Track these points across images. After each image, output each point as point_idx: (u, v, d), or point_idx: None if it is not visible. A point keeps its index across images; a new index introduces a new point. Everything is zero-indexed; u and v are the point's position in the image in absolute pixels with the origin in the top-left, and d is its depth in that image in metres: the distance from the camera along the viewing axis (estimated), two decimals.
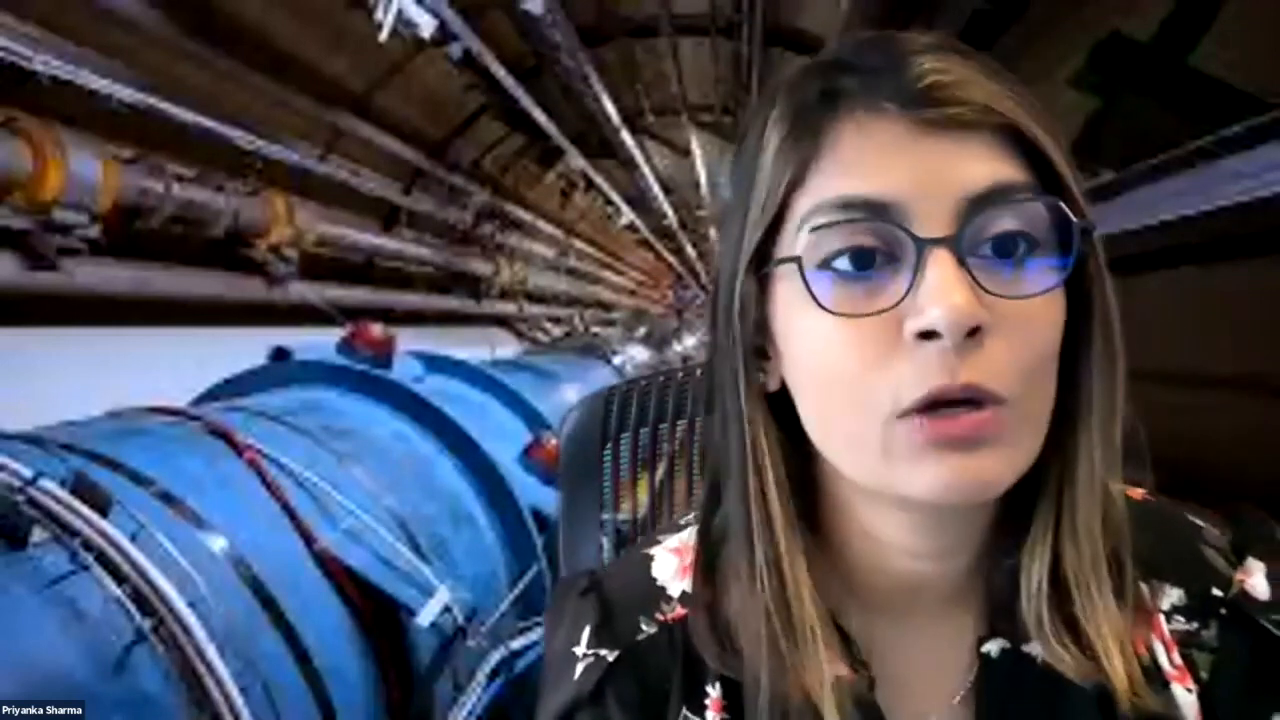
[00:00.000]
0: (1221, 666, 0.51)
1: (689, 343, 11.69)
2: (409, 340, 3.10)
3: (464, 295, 7.28)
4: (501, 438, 2.83)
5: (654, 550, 0.58)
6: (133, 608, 1.40)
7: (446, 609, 1.97)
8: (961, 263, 0.43)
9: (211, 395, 2.56)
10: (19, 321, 2.89)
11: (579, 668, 0.53)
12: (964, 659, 0.52)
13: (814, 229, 0.46)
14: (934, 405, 0.44)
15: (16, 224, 2.76)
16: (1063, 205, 0.45)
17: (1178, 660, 0.51)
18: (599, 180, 8.83)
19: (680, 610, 0.54)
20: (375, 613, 1.91)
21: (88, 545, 1.41)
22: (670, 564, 0.56)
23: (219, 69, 3.83)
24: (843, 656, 0.50)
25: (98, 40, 3.19)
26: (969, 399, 0.43)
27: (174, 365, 2.88)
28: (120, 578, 1.41)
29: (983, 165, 0.44)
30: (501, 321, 8.17)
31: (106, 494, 1.49)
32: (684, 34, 6.29)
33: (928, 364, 0.43)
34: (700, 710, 0.52)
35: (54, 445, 1.65)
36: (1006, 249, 0.45)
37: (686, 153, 8.76)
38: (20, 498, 1.40)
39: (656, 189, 9.43)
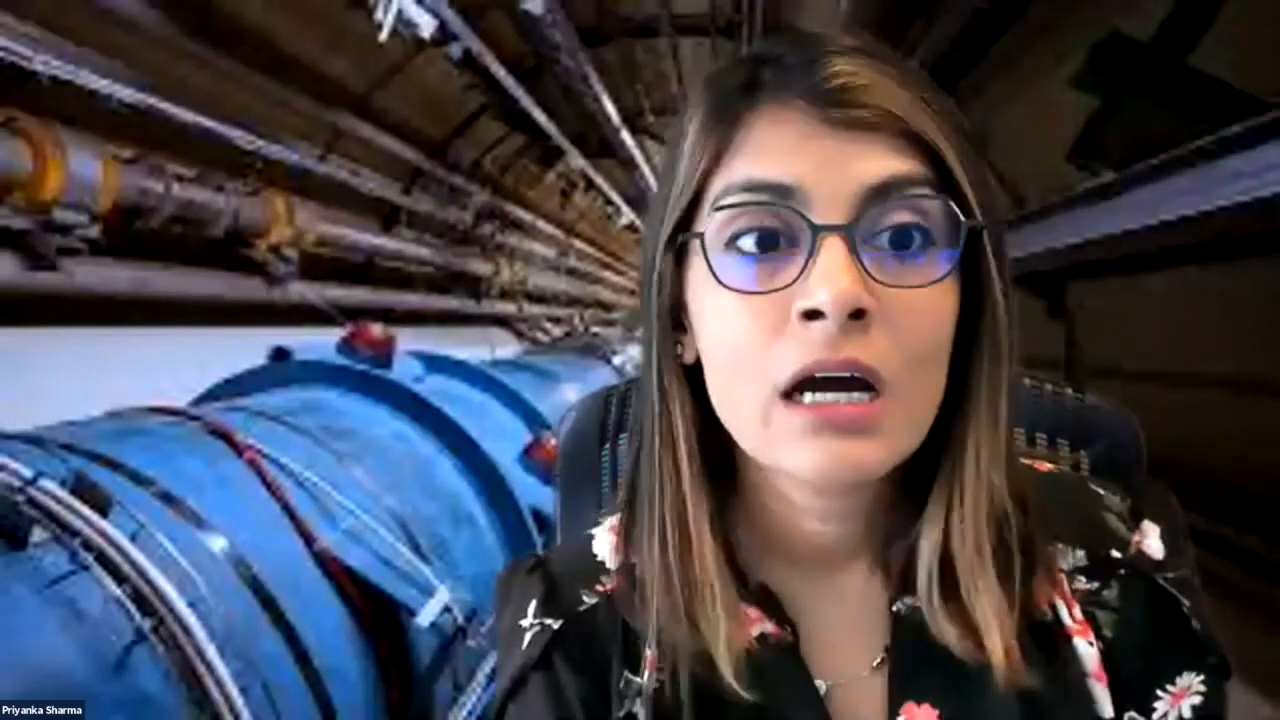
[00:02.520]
0: (1123, 624, 0.54)
1: None
2: (409, 340, 3.10)
3: (464, 295, 7.28)
4: (501, 438, 2.83)
5: (595, 530, 0.62)
6: (133, 608, 1.40)
7: (446, 609, 1.97)
8: (854, 251, 0.46)
9: (211, 395, 2.55)
10: (19, 321, 2.89)
11: (526, 637, 0.57)
12: (881, 618, 0.55)
13: (719, 208, 0.49)
14: (814, 385, 0.47)
15: (16, 224, 2.76)
16: (951, 204, 0.48)
17: (1079, 616, 0.54)
18: (599, 180, 8.84)
19: (618, 581, 0.58)
20: (375, 613, 1.91)
21: (88, 545, 1.41)
22: (608, 540, 0.60)
23: (219, 69, 3.83)
24: (769, 615, 0.55)
25: (98, 40, 3.19)
26: (849, 377, 0.46)
27: (174, 365, 2.88)
28: (120, 578, 1.41)
29: (881, 161, 0.47)
30: (501, 321, 8.17)
31: (106, 494, 1.49)
32: (684, 34, 6.29)
33: (811, 341, 0.46)
34: (638, 670, 0.55)
35: (54, 445, 1.65)
36: (901, 242, 0.48)
37: None
38: (20, 498, 1.40)
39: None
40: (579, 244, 11.68)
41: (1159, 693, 0.53)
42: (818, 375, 0.47)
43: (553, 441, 2.81)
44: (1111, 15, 2.35)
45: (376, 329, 2.77)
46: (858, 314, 0.46)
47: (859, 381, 0.47)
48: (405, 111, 5.74)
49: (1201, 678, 0.53)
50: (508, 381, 3.33)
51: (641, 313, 0.56)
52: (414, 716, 1.98)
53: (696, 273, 0.51)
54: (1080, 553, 0.55)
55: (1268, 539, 2.29)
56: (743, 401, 0.50)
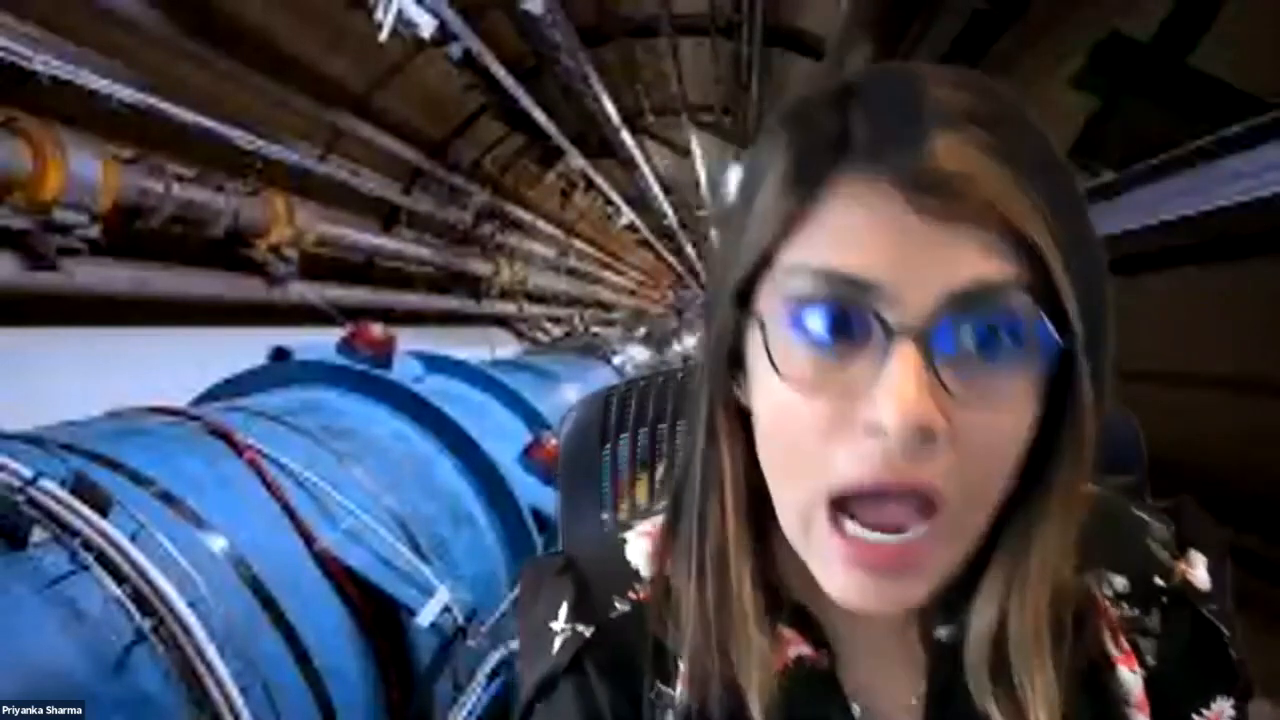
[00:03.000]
0: (1165, 651, 0.54)
1: (689, 343, 11.68)
2: (409, 340, 3.09)
3: (464, 295, 7.28)
4: (501, 438, 2.83)
5: (628, 535, 0.60)
6: (133, 608, 1.40)
7: (446, 609, 1.96)
8: (929, 361, 0.42)
9: (211, 395, 2.55)
10: (19, 321, 2.89)
11: (557, 642, 0.55)
12: (921, 648, 0.54)
13: (788, 296, 0.45)
14: (863, 499, 0.44)
15: (16, 224, 2.77)
16: (1046, 321, 0.43)
17: (1124, 645, 0.54)
18: (599, 180, 8.84)
19: (650, 591, 0.56)
20: (375, 613, 1.91)
21: (88, 545, 1.41)
22: (642, 546, 0.59)
23: (219, 69, 3.83)
24: (807, 638, 0.53)
25: (98, 40, 3.20)
26: (897, 529, 0.44)
27: (174, 365, 2.88)
28: (120, 578, 1.41)
29: (973, 264, 0.43)
30: (501, 321, 8.17)
31: (106, 494, 1.49)
32: (684, 34, 6.29)
33: (871, 455, 0.43)
34: (670, 682, 0.54)
35: (54, 445, 1.65)
36: (984, 351, 0.43)
37: (686, 153, 8.76)
38: (20, 498, 1.40)
39: (656, 189, 9.43)
40: (579, 244, 11.68)
41: (1194, 716, 0.54)
42: (868, 515, 0.44)
43: (553, 441, 2.81)
44: (1111, 15, 2.35)
45: (376, 329, 2.77)
46: (925, 433, 0.42)
47: (914, 499, 0.44)
48: (405, 111, 5.74)
49: (1232, 701, 0.54)
50: (508, 381, 3.33)
51: (702, 350, 0.53)
52: (414, 716, 1.98)
53: (756, 343, 0.47)
54: (1123, 580, 0.55)
55: (1267, 539, 2.29)
56: (788, 493, 0.48)
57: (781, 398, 0.46)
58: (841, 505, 0.45)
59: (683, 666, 0.53)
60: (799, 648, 0.53)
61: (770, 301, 0.46)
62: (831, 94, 0.47)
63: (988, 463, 0.44)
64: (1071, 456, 0.47)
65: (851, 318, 0.44)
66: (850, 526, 0.45)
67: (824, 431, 0.44)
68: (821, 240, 0.45)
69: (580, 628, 0.55)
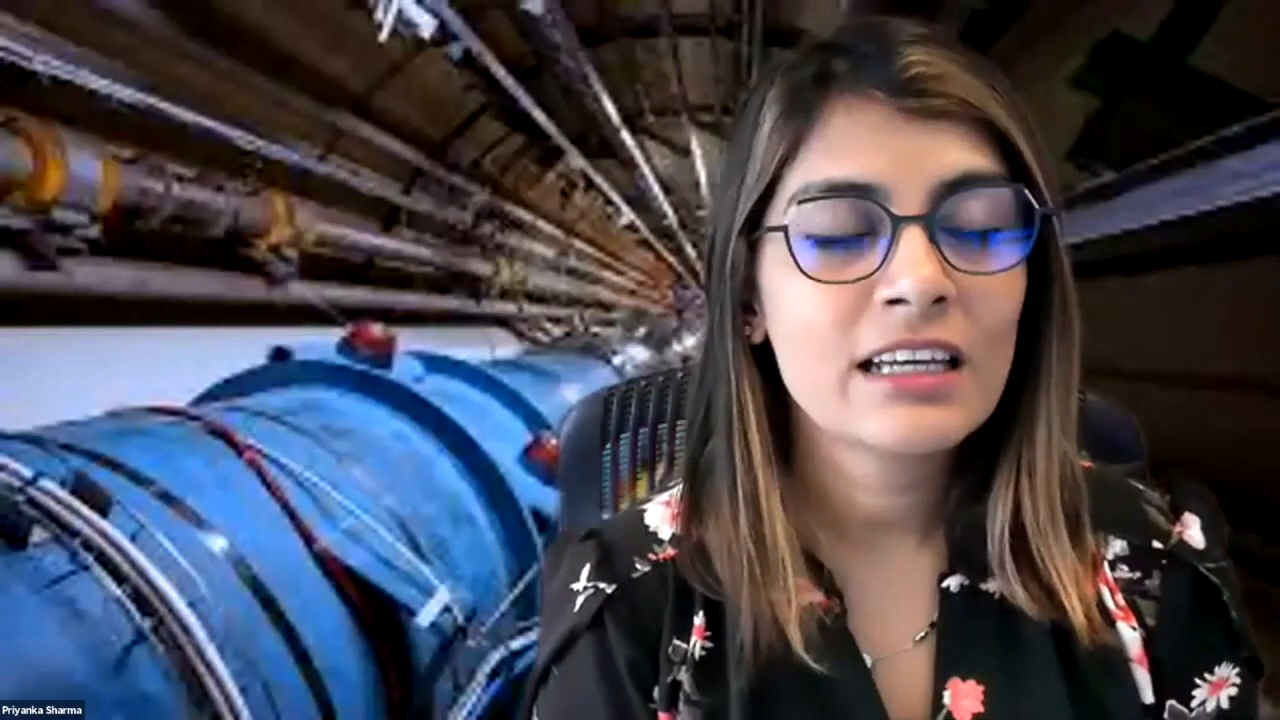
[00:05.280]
0: (1165, 611, 0.55)
1: (689, 343, 11.68)
2: (409, 340, 3.10)
3: (464, 295, 7.28)
4: (501, 438, 2.83)
5: (646, 505, 0.63)
6: (133, 608, 1.40)
7: (446, 609, 1.97)
8: (932, 239, 0.48)
9: (211, 395, 2.55)
10: (19, 321, 2.89)
11: (579, 600, 0.57)
12: (928, 593, 0.57)
13: (801, 203, 0.50)
14: (896, 361, 0.49)
15: (16, 224, 2.77)
16: (1026, 192, 0.50)
17: (1121, 603, 0.56)
18: (599, 180, 8.84)
19: (670, 551, 0.59)
20: (375, 613, 1.91)
21: (88, 545, 1.41)
22: (661, 513, 0.62)
23: (219, 69, 3.83)
24: (819, 586, 0.56)
25: (98, 40, 3.20)
26: (930, 358, 0.48)
27: (174, 365, 2.88)
28: (120, 578, 1.41)
29: (957, 153, 0.49)
30: (501, 321, 8.17)
31: (106, 494, 1.49)
32: (684, 34, 6.29)
33: (893, 324, 0.48)
34: (686, 638, 0.57)
35: (54, 445, 1.65)
36: (974, 229, 0.50)
37: (686, 153, 8.76)
38: (20, 498, 1.40)
39: (656, 189, 9.43)
40: (579, 244, 11.69)
41: (1198, 681, 0.54)
42: (900, 355, 0.49)
43: (553, 441, 2.81)
44: (1111, 15, 2.35)
45: (376, 329, 2.77)
46: (938, 300, 0.48)
47: (939, 360, 0.49)
48: (405, 111, 5.74)
49: (1237, 670, 0.55)
50: (508, 381, 3.33)
51: (708, 294, 0.57)
52: (414, 716, 1.98)
53: (773, 259, 0.53)
54: (1121, 543, 0.57)
55: (1267, 538, 2.29)
56: (820, 375, 0.51)
57: (805, 295, 0.51)
58: (877, 365, 0.50)
59: (697, 620, 0.56)
60: (812, 596, 0.55)
61: (783, 217, 0.51)
62: (811, 46, 0.54)
63: (993, 320, 0.50)
64: (1061, 324, 0.52)
65: (859, 217, 0.50)
66: (887, 368, 0.49)
67: (847, 316, 0.49)
68: (822, 157, 0.51)
69: (602, 585, 0.57)
